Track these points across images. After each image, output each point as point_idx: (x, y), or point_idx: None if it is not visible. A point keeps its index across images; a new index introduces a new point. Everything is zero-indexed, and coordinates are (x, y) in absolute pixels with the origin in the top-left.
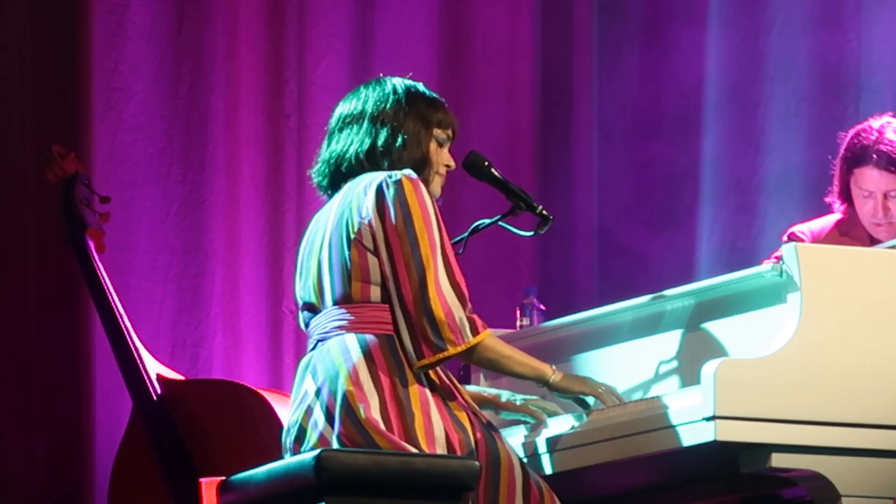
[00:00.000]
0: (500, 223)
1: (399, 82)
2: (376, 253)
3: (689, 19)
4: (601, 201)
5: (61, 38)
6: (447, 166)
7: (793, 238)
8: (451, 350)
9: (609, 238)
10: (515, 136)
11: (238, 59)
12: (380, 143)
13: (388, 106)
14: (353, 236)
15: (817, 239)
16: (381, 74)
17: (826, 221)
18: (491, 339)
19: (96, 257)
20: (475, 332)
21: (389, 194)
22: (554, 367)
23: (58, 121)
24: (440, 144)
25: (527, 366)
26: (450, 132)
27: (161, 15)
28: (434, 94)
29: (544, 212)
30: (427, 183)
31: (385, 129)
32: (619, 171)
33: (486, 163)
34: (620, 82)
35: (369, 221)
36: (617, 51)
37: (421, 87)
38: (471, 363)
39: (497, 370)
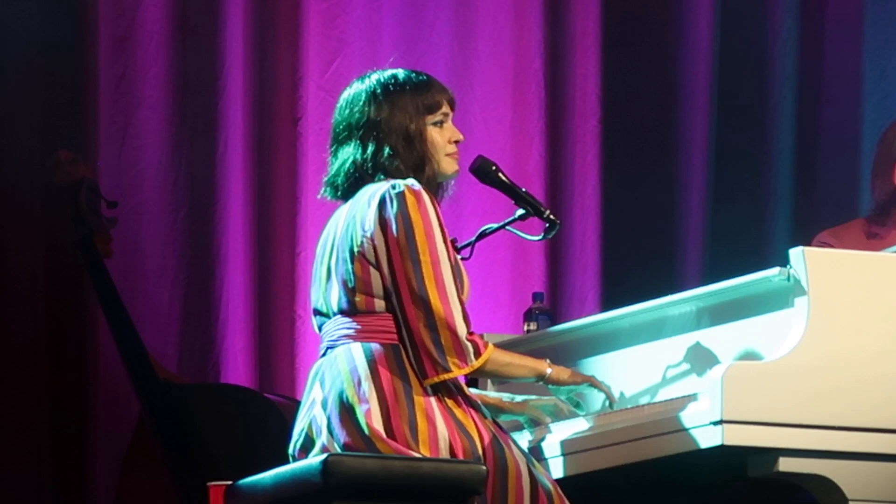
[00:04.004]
0: (507, 228)
1: (378, 80)
2: (378, 267)
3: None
4: (609, 205)
5: (69, 43)
6: (455, 141)
7: (819, 244)
8: (456, 372)
9: (616, 242)
10: (523, 139)
11: (246, 64)
12: (369, 158)
13: (372, 113)
14: (356, 250)
15: (845, 242)
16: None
17: (852, 224)
18: (493, 354)
19: (104, 262)
20: (478, 354)
21: (392, 208)
22: (548, 360)
23: (65, 126)
24: (439, 125)
25: (525, 367)
26: (444, 109)
27: (169, 20)
28: (416, 77)
29: (552, 216)
30: (438, 167)
31: (371, 144)
32: (626, 172)
33: (494, 167)
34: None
35: (371, 235)
36: (625, 51)
37: (401, 75)
38: (474, 377)
39: (500, 379)
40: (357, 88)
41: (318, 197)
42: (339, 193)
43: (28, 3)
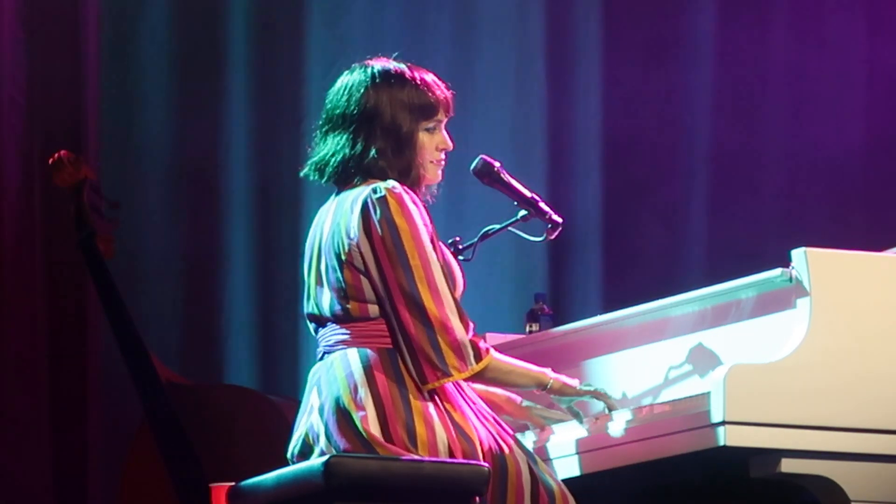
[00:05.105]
0: (509, 229)
1: (379, 72)
2: (367, 274)
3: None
4: (611, 206)
5: (71, 44)
6: (443, 149)
7: None
8: (456, 375)
9: (618, 243)
10: (525, 139)
11: (249, 64)
12: (356, 156)
13: (368, 107)
14: (344, 258)
15: None
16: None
17: None
18: (494, 360)
19: (105, 263)
20: (479, 357)
21: (375, 215)
22: (550, 370)
23: (67, 126)
24: (431, 131)
25: (527, 376)
26: (439, 116)
27: (170, 20)
28: (417, 76)
29: (554, 217)
30: (423, 172)
31: (361, 141)
32: (628, 173)
33: (496, 168)
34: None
35: (357, 243)
36: (623, 54)
37: (403, 71)
38: (474, 382)
39: (500, 386)
40: (357, 76)
41: (301, 175)
42: (324, 179)
43: (30, 2)
